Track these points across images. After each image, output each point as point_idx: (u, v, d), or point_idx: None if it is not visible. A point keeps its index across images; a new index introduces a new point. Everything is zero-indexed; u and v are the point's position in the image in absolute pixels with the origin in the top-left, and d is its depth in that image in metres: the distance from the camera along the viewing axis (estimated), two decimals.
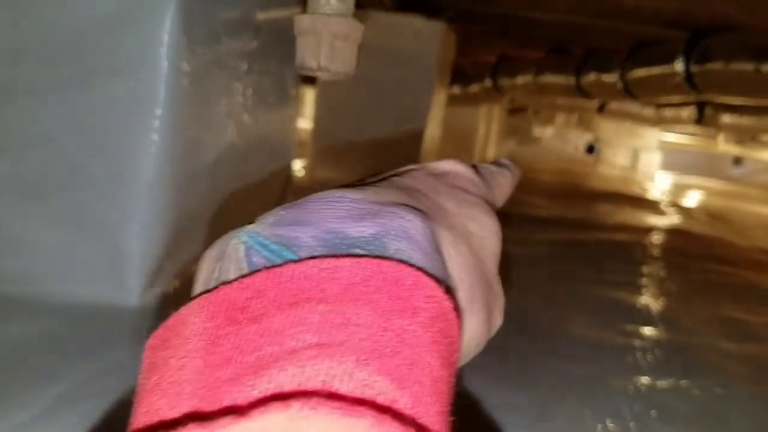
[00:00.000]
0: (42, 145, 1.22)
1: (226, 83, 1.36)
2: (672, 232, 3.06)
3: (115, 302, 1.25)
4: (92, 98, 1.21)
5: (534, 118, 8.02)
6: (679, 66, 3.15)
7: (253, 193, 1.63)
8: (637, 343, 1.40)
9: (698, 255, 2.55)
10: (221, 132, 1.39)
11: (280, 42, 1.56)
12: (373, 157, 3.59)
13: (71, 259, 1.26)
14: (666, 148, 8.46)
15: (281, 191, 1.78)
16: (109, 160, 1.22)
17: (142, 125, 1.20)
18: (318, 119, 3.61)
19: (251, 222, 0.28)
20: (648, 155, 7.92)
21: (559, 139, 8.19)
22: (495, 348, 1.14)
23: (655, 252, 2.49)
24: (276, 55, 1.54)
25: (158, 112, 1.19)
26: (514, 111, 7.65)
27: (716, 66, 2.95)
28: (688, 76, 3.14)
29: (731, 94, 3.19)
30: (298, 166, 3.82)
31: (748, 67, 2.76)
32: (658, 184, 6.63)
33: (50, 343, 1.09)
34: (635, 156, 7.92)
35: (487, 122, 6.45)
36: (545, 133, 8.35)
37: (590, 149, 8.18)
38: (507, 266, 2.04)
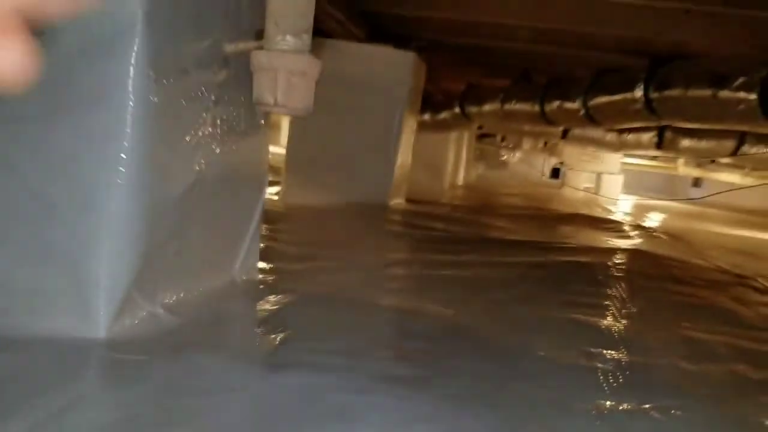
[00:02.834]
0: (5, 175, 1.19)
1: (194, 114, 1.34)
2: (634, 253, 3.08)
3: (82, 335, 1.21)
4: (58, 130, 1.18)
5: (502, 143, 8.11)
6: (639, 93, 3.20)
7: (224, 222, 1.60)
8: (600, 365, 1.40)
9: (659, 276, 2.57)
10: (190, 163, 1.37)
11: (250, 72, 1.55)
12: (345, 182, 3.58)
13: (35, 292, 1.22)
14: (628, 171, 8.60)
15: (253, 220, 1.75)
16: (74, 192, 1.19)
17: (108, 157, 1.18)
18: (291, 146, 3.59)
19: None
20: (611, 178, 8.03)
21: (525, 163, 8.27)
22: (462, 372, 1.12)
23: (618, 273, 2.50)
24: (246, 84, 1.52)
25: (125, 144, 1.17)
26: (483, 136, 7.73)
27: (675, 92, 3.00)
28: (648, 103, 3.20)
29: (690, 119, 3.25)
30: (273, 191, 3.79)
31: (705, 92, 2.82)
32: (621, 206, 6.71)
33: (13, 378, 1.05)
34: (598, 179, 8.03)
35: (457, 147, 6.50)
36: (513, 157, 8.43)
37: (555, 173, 8.28)
38: (478, 289, 2.04)
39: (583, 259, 2.75)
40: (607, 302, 1.99)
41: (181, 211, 1.36)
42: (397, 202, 3.91)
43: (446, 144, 5.92)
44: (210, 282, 1.56)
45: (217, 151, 1.45)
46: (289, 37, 0.59)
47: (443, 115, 5.17)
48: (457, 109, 4.98)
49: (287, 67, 0.56)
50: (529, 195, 7.00)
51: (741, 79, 2.68)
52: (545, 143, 7.65)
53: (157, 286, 1.35)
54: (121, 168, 1.18)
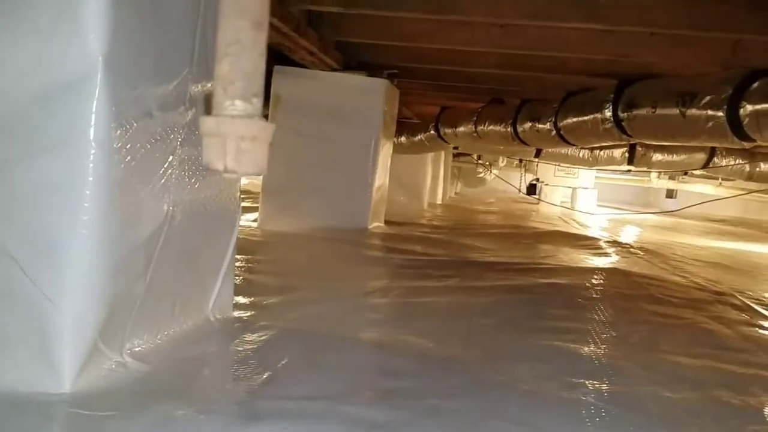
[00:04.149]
0: None
1: (160, 156, 1.30)
2: (611, 273, 3.07)
3: (45, 389, 1.14)
4: (18, 179, 1.13)
5: (478, 161, 8.13)
6: (607, 113, 3.21)
7: (196, 260, 1.55)
8: (582, 397, 1.36)
9: (637, 296, 2.55)
10: (158, 204, 1.32)
11: None
12: (323, 208, 3.54)
13: None
14: (603, 184, 8.67)
15: (226, 255, 1.70)
16: (36, 242, 1.14)
17: (70, 206, 1.12)
18: (267, 173, 3.54)
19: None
20: (586, 193, 8.08)
21: (502, 180, 8.30)
22: (443, 413, 1.07)
23: (596, 295, 2.48)
24: None
25: (87, 192, 1.12)
26: (460, 155, 7.74)
27: (643, 112, 3.01)
28: (618, 122, 3.21)
29: (660, 138, 3.26)
30: (252, 218, 3.73)
31: (673, 111, 2.83)
32: (597, 221, 6.74)
33: None
34: (574, 194, 8.08)
35: (435, 168, 6.50)
36: (489, 174, 8.46)
37: (532, 189, 8.31)
38: (458, 317, 2.00)
39: (561, 280, 2.73)
40: (587, 326, 1.97)
41: (149, 254, 1.31)
42: (376, 225, 3.87)
43: (423, 165, 5.92)
44: (182, 324, 1.50)
45: (186, 190, 1.41)
46: (238, 102, 0.56)
47: (419, 137, 5.17)
48: (432, 132, 4.98)
49: (237, 132, 0.53)
50: (507, 212, 7.01)
51: (708, 97, 2.69)
52: (521, 160, 7.68)
53: (124, 333, 1.29)
54: (83, 217, 1.12)
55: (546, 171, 8.01)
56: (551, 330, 1.90)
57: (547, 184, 8.17)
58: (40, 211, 1.13)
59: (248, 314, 1.78)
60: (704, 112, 2.70)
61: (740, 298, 2.66)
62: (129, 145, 1.18)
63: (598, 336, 1.87)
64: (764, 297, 2.80)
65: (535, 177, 8.32)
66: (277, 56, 3.21)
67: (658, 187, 8.03)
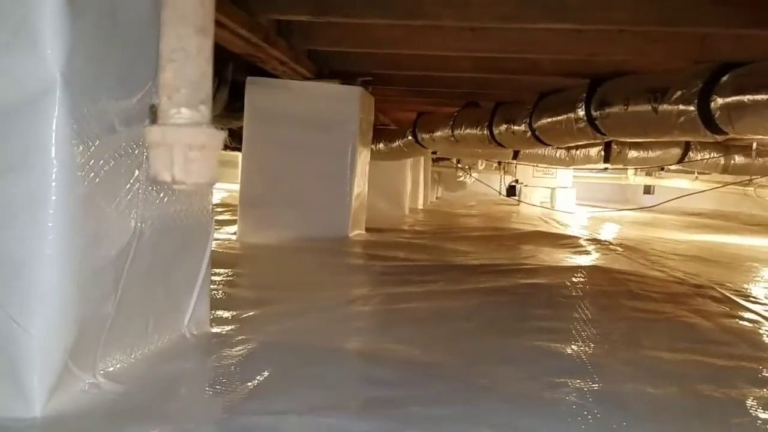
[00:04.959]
0: None
1: (125, 171, 1.26)
2: (592, 270, 3.07)
3: (15, 414, 1.10)
4: None
5: (458, 164, 8.15)
6: (581, 112, 3.22)
7: (169, 275, 1.51)
8: (566, 397, 1.35)
9: (618, 293, 2.55)
10: (125, 220, 1.28)
11: None
12: (303, 218, 3.51)
13: None
14: (581, 183, 8.72)
15: (201, 269, 1.66)
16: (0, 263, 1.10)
17: (34, 225, 1.09)
18: (244, 185, 3.51)
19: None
20: (564, 192, 8.13)
21: (482, 182, 8.32)
22: (427, 420, 1.04)
23: (577, 293, 2.48)
24: None
25: (50, 211, 1.08)
26: (439, 159, 7.75)
27: (615, 109, 3.02)
28: (591, 121, 3.22)
29: (634, 134, 3.28)
30: (231, 231, 3.69)
31: (645, 108, 2.84)
32: (577, 219, 6.78)
33: None
34: (553, 194, 8.12)
35: (415, 173, 6.50)
36: (469, 178, 8.48)
37: (512, 190, 8.34)
38: (442, 322, 1.97)
39: (543, 280, 2.72)
40: (569, 325, 1.96)
41: (118, 272, 1.27)
42: (357, 233, 3.85)
43: (403, 171, 5.91)
44: (157, 341, 1.47)
45: (155, 205, 1.38)
46: (184, 110, 0.54)
47: (397, 143, 5.17)
48: (410, 137, 4.98)
49: (184, 141, 0.51)
50: (488, 214, 7.02)
51: (679, 92, 2.71)
52: (500, 163, 7.71)
53: (96, 353, 1.25)
54: (48, 236, 1.09)
55: (525, 172, 8.04)
56: (533, 330, 1.89)
57: (526, 185, 8.21)
58: (3, 232, 1.10)
59: (227, 329, 1.75)
60: (676, 107, 2.71)
61: (719, 290, 2.67)
62: (92, 162, 1.15)
63: (579, 334, 1.86)
64: (743, 288, 2.82)
65: (514, 179, 8.36)
66: (249, 67, 3.18)
67: (635, 183, 8.10)
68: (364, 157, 3.82)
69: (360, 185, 3.77)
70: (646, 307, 2.29)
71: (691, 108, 2.67)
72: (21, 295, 1.10)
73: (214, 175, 0.62)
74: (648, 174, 7.55)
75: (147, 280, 1.38)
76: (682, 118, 2.72)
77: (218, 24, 2.27)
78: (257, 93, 3.36)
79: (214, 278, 2.34)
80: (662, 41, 2.68)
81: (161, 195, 1.39)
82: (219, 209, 5.32)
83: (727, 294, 2.60)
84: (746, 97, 2.45)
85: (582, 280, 2.76)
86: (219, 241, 3.38)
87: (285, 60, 2.93)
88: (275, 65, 3.03)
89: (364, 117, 3.67)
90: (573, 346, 1.74)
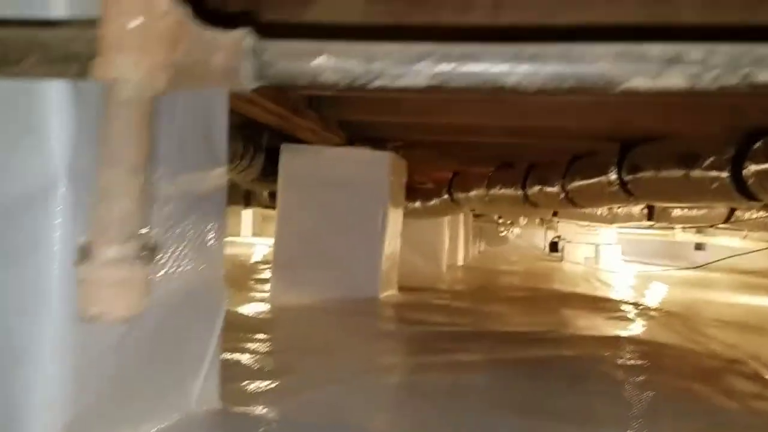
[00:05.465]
0: None
1: None
2: (623, 342, 2.95)
3: None
4: None
5: (499, 220, 8.09)
6: (613, 176, 3.19)
7: (176, 350, 1.53)
8: None
9: (645, 367, 2.44)
10: None
11: (198, 199, 1.53)
12: (334, 279, 3.53)
13: None
14: (626, 240, 8.50)
15: (211, 340, 1.67)
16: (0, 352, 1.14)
17: (36, 314, 1.13)
18: (278, 246, 3.58)
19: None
20: (609, 248, 7.93)
21: (524, 238, 8.22)
22: None
23: (602, 369, 2.38)
24: (194, 209, 1.49)
25: (52, 301, 1.12)
26: (481, 215, 7.72)
27: (647, 174, 2.98)
28: (623, 185, 3.18)
29: (665, 199, 3.22)
30: (267, 292, 3.73)
31: (677, 173, 2.79)
32: (622, 279, 6.57)
33: None
34: (597, 251, 7.93)
35: (453, 229, 6.47)
36: (511, 233, 8.39)
37: (554, 246, 8.20)
38: (474, 401, 1.92)
39: (571, 352, 2.63)
40: (603, 412, 1.86)
41: (122, 354, 1.30)
42: (389, 294, 3.84)
43: (440, 228, 5.89)
44: (162, 421, 1.48)
45: (160, 282, 1.41)
46: (112, 247, 0.56)
47: (434, 201, 5.20)
48: (446, 196, 5.01)
49: (109, 278, 0.54)
50: (530, 272, 6.89)
51: (711, 159, 2.66)
52: (541, 219, 7.62)
53: None
54: (49, 326, 1.13)
55: (567, 228, 7.91)
56: (551, 412, 1.82)
57: (569, 242, 8.06)
58: (5, 319, 1.14)
59: (239, 406, 1.74)
60: (708, 173, 2.66)
61: (753, 365, 2.51)
62: None
63: (595, 416, 1.78)
64: None
65: (556, 235, 8.23)
66: (284, 135, 3.28)
67: (683, 240, 7.84)
68: (395, 218, 3.84)
69: (392, 245, 3.79)
70: (679, 385, 2.17)
71: (724, 174, 2.61)
72: (19, 386, 1.13)
73: (139, 307, 0.64)
74: (698, 231, 7.31)
75: (151, 360, 1.41)
76: (714, 185, 2.66)
77: (250, 101, 2.37)
78: (291, 159, 3.45)
79: (236, 344, 2.36)
80: (690, 109, 2.65)
81: (168, 270, 1.42)
82: (262, 266, 5.41)
83: (763, 373, 2.44)
84: None
85: (611, 353, 2.66)
86: (251, 302, 3.44)
87: (316, 129, 3.02)
88: (306, 135, 3.12)
89: (395, 180, 3.72)
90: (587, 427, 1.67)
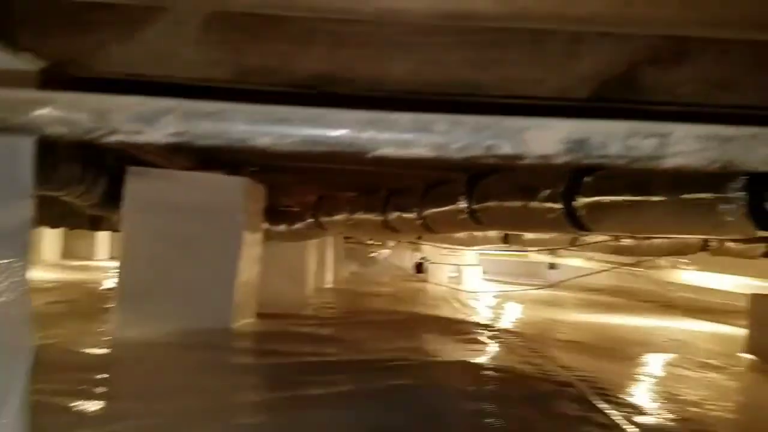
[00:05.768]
0: None
1: None
2: (479, 370, 3.03)
3: None
4: None
5: (369, 241, 8.18)
6: (462, 204, 3.30)
7: None
8: None
9: (471, 393, 2.51)
10: None
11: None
12: (183, 310, 3.35)
13: None
14: (487, 261, 8.90)
15: (12, 392, 1.51)
16: None
17: None
18: (122, 277, 3.33)
19: None
20: (471, 270, 8.25)
21: (392, 260, 8.37)
22: None
23: (460, 403, 2.43)
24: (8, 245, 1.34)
25: None
26: (350, 237, 7.75)
27: (492, 204, 3.11)
28: (472, 213, 3.30)
29: (509, 227, 3.38)
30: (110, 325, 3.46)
31: (517, 204, 2.94)
32: (481, 297, 6.84)
33: None
34: (459, 271, 8.23)
35: (320, 252, 6.42)
36: (380, 255, 8.51)
37: (419, 267, 8.41)
38: None
39: (428, 380, 2.67)
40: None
41: None
42: (245, 322, 3.71)
43: (306, 251, 5.83)
44: None
45: None
46: None
47: (299, 225, 5.13)
48: (311, 219, 4.96)
49: None
50: (397, 294, 6.98)
51: (547, 191, 2.81)
52: (409, 241, 7.78)
53: None
54: None
55: (431, 250, 8.14)
56: None
57: (433, 263, 8.29)
58: None
59: None
60: (544, 204, 2.81)
61: (579, 388, 2.67)
62: None
63: None
64: (607, 387, 2.80)
65: (421, 256, 8.44)
66: (132, 157, 3.08)
67: (538, 260, 8.34)
68: (252, 244, 3.73)
69: (248, 272, 3.67)
70: (504, 413, 2.24)
71: (558, 206, 2.77)
72: None
73: None
74: (550, 252, 7.81)
75: None
76: (551, 215, 2.82)
77: None
78: (137, 182, 3.25)
79: (67, 387, 2.16)
80: None
81: None
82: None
83: (589, 395, 2.59)
84: (607, 198, 2.57)
85: (458, 379, 2.73)
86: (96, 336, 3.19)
87: (163, 153, 2.87)
88: (155, 158, 2.96)
89: (251, 205, 3.63)
90: None
